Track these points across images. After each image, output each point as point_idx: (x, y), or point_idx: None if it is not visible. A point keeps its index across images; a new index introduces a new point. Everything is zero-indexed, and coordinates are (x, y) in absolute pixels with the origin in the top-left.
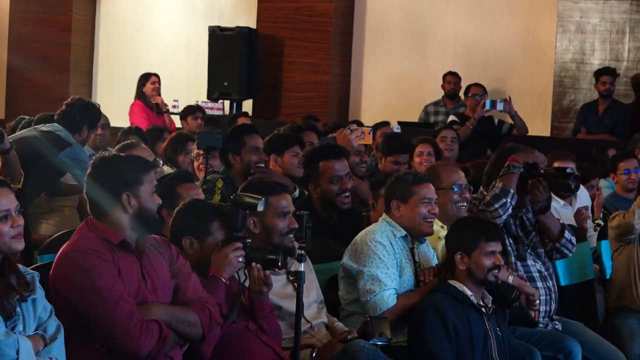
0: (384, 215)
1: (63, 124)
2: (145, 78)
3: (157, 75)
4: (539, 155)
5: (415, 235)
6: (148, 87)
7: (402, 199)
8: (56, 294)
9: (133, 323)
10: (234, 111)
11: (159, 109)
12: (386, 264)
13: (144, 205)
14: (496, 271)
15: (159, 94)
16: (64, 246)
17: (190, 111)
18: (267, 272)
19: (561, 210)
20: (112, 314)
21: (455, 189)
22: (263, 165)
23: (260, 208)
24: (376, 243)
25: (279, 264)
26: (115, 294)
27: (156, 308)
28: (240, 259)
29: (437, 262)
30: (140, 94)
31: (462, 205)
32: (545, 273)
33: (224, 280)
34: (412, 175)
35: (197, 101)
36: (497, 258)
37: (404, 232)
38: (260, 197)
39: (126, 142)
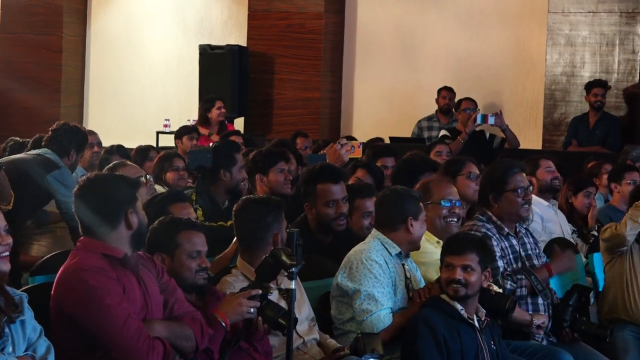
0: (375, 232)
1: (51, 149)
2: (210, 102)
3: (220, 99)
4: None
5: (409, 250)
6: (214, 112)
7: (414, 216)
8: (59, 312)
9: (141, 341)
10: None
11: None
12: (382, 283)
13: (142, 221)
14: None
15: (224, 118)
16: (65, 265)
17: (187, 131)
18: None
19: (545, 210)
20: (121, 332)
21: (444, 204)
22: (243, 183)
23: (293, 269)
24: (372, 262)
25: (284, 331)
26: (124, 312)
27: (157, 325)
28: (252, 310)
29: (421, 277)
30: (204, 119)
31: (452, 221)
32: (546, 290)
33: (224, 325)
34: (413, 192)
35: (189, 120)
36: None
37: (398, 249)
38: (295, 261)
39: (116, 161)
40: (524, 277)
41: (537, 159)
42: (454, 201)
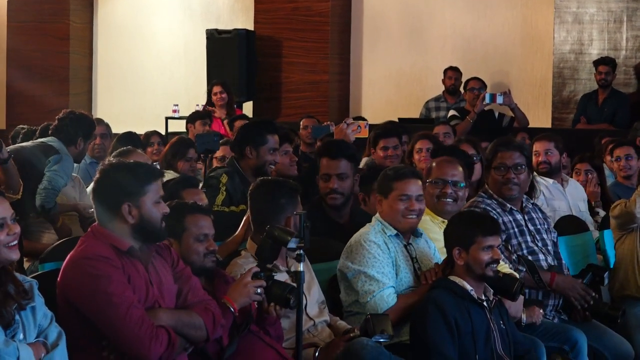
0: (377, 214)
1: (58, 137)
2: (210, 87)
3: (219, 84)
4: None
5: (399, 230)
6: (213, 98)
7: (383, 194)
8: (65, 301)
9: (144, 329)
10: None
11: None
12: (382, 263)
13: (145, 216)
14: (494, 265)
15: (225, 103)
16: (71, 254)
17: (200, 116)
18: (281, 311)
19: (551, 187)
20: (123, 320)
21: (436, 183)
22: (273, 166)
23: (292, 245)
24: (370, 242)
25: (291, 304)
26: (126, 300)
27: (162, 314)
28: (259, 291)
29: (439, 256)
30: (210, 104)
31: (444, 200)
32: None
33: (232, 310)
34: (395, 170)
35: (197, 105)
36: (495, 252)
37: (394, 231)
38: (293, 233)
39: (122, 148)
40: (524, 270)
41: (535, 140)
42: (450, 181)
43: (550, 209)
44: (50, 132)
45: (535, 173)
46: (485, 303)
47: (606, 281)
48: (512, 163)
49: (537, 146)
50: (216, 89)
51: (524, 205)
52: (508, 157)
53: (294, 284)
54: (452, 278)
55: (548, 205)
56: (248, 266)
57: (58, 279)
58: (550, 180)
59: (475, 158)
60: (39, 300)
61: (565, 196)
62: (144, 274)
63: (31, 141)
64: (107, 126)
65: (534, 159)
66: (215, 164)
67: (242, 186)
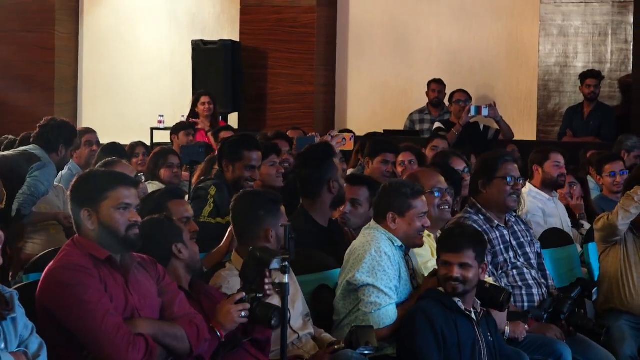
0: (374, 224)
1: (39, 145)
2: (197, 97)
3: (207, 95)
4: None
5: (408, 246)
6: (200, 108)
7: (399, 212)
8: (43, 311)
9: (120, 336)
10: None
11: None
12: (390, 277)
13: (103, 222)
14: (452, 282)
15: (210, 114)
16: (50, 264)
17: (183, 127)
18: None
19: (547, 204)
20: (99, 328)
21: (437, 194)
22: (252, 183)
23: (274, 266)
24: (382, 254)
25: (273, 324)
26: (102, 307)
27: (141, 322)
28: (244, 314)
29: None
30: (194, 114)
31: (444, 208)
32: (541, 280)
33: (219, 335)
34: (410, 187)
35: (182, 115)
36: (450, 269)
37: (399, 242)
38: (275, 253)
39: (107, 159)
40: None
41: (548, 151)
42: (444, 189)
43: (547, 226)
44: (31, 139)
45: (534, 187)
46: (473, 315)
47: (594, 297)
48: (517, 174)
49: (559, 158)
50: (204, 99)
51: (507, 219)
52: (514, 169)
53: (278, 305)
54: (442, 289)
55: (547, 224)
56: (232, 278)
57: (37, 290)
58: (547, 196)
59: (465, 171)
60: (19, 311)
61: (559, 212)
62: (122, 284)
63: (13, 150)
64: (95, 134)
65: (555, 170)
66: None
67: (230, 198)
